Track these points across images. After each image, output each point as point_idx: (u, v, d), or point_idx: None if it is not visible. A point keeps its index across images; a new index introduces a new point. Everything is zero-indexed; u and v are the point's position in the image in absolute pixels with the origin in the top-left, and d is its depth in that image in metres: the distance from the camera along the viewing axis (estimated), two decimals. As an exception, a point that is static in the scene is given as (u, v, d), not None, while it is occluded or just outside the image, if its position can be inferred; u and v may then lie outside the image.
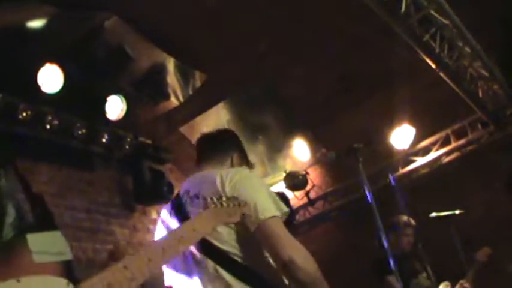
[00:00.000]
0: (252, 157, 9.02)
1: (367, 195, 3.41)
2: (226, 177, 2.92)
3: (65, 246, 1.59)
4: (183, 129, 8.63)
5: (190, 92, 7.80)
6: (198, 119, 8.45)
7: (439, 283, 5.61)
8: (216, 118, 8.75)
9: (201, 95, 7.79)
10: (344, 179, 8.34)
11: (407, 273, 5.29)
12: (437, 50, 6.04)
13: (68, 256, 1.57)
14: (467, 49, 6.29)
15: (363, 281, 5.60)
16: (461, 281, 5.67)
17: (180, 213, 3.08)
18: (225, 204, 2.59)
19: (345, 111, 8.31)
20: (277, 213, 2.80)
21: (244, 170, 3.12)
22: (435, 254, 5.67)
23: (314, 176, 8.79)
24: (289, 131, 8.51)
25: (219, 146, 3.45)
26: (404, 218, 5.69)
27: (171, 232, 2.50)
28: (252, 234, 2.76)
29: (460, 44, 6.22)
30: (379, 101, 8.10)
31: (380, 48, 6.70)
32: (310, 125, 8.26)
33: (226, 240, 2.83)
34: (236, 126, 8.67)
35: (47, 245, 1.51)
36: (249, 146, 8.90)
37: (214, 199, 2.56)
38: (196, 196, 2.99)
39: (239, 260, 2.82)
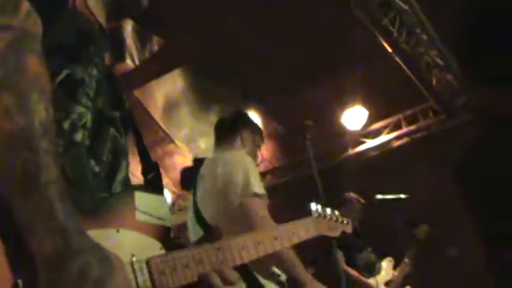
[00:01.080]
0: (203, 126, 9.02)
1: (314, 172, 3.42)
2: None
3: (168, 213, 1.63)
4: (138, 93, 8.55)
5: (147, 56, 7.72)
6: (154, 83, 8.38)
7: (381, 259, 5.71)
8: (172, 85, 8.70)
9: (158, 59, 7.72)
10: (294, 155, 8.39)
11: (353, 248, 5.38)
12: (395, 35, 6.09)
13: (168, 223, 1.61)
14: (425, 36, 6.34)
15: (308, 257, 5.66)
16: (404, 259, 5.76)
17: (194, 190, 3.45)
18: (328, 216, 2.65)
19: (300, 89, 8.32)
20: None
21: (233, 154, 3.37)
22: (378, 234, 5.77)
23: (264, 150, 8.80)
24: (243, 103, 8.49)
25: (228, 128, 3.65)
26: (354, 194, 5.77)
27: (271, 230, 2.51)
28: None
29: (418, 30, 6.27)
30: (334, 81, 8.13)
31: (339, 29, 6.71)
32: (264, 99, 8.25)
33: None
34: (190, 94, 8.64)
35: (151, 207, 1.56)
36: (201, 116, 8.93)
37: (319, 209, 2.59)
38: (201, 176, 3.37)
39: None
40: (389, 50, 6.25)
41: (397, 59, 6.42)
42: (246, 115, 3.86)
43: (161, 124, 9.14)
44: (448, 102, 7.76)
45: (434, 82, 7.28)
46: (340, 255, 5.08)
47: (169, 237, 1.61)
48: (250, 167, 3.24)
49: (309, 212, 2.44)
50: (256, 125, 3.72)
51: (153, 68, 7.94)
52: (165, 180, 9.35)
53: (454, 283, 8.41)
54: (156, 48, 7.63)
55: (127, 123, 1.76)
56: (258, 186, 3.16)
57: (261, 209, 3.12)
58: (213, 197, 3.30)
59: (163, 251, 1.54)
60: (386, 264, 5.66)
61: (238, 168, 3.25)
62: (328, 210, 2.65)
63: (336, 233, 2.71)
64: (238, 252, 1.83)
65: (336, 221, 2.70)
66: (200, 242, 1.77)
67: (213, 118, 8.99)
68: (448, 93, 7.59)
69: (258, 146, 3.64)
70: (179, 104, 8.94)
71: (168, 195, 8.90)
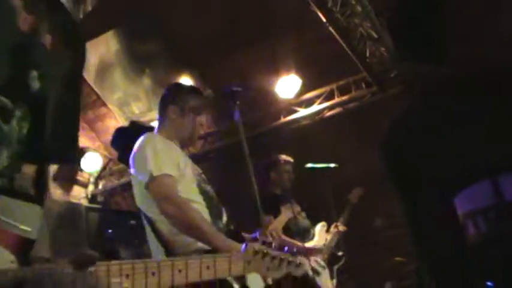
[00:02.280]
0: (136, 90, 8.93)
1: (242, 138, 3.43)
2: None
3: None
4: (69, 54, 8.36)
5: (81, 16, 7.54)
6: (87, 45, 8.19)
7: (314, 224, 5.79)
8: (106, 47, 8.56)
9: (91, 20, 7.54)
10: (225, 121, 8.39)
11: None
12: (329, 4, 6.12)
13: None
14: (359, 8, 6.39)
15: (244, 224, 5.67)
16: (336, 223, 5.86)
17: None
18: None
19: (234, 54, 8.31)
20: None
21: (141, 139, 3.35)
22: (308, 201, 5.85)
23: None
24: (176, 68, 8.42)
25: (160, 106, 3.65)
26: (283, 155, 5.82)
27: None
28: None
29: (353, 2, 6.31)
30: (268, 48, 8.14)
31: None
32: (198, 64, 8.19)
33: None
34: (124, 57, 8.52)
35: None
36: (134, 79, 8.83)
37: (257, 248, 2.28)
38: None
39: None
40: (323, 19, 6.27)
41: (331, 29, 6.45)
42: (175, 88, 3.79)
43: (94, 87, 9.00)
44: (380, 74, 7.87)
45: (367, 54, 7.37)
46: (286, 209, 5.17)
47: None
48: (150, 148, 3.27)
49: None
50: (198, 97, 3.63)
51: (87, 29, 7.76)
52: (97, 144, 9.25)
53: (380, 252, 8.67)
54: (89, 8, 7.46)
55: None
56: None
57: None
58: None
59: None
60: (319, 229, 5.75)
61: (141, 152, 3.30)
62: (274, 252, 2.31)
63: (276, 275, 2.33)
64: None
65: (281, 262, 2.32)
66: None
67: (147, 82, 8.92)
68: (381, 65, 7.70)
69: (195, 112, 3.55)
70: (112, 67, 8.81)
71: (99, 159, 8.80)
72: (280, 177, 5.67)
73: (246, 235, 3.41)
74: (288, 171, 5.72)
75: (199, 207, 3.25)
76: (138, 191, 3.31)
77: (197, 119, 3.54)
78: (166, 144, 3.35)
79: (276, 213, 5.22)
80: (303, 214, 5.75)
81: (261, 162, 5.75)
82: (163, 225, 3.17)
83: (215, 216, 3.30)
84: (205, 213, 3.25)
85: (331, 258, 5.63)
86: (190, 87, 3.77)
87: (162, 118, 3.58)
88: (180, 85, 3.83)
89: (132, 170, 3.33)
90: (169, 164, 3.20)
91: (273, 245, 2.44)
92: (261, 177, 5.65)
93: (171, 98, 3.59)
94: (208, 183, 3.49)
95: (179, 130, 3.51)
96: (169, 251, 3.15)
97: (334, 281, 5.53)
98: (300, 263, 2.45)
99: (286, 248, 2.30)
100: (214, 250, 3.02)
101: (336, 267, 5.63)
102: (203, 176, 3.56)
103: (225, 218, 3.38)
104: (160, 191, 3.14)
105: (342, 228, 5.85)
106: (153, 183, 3.15)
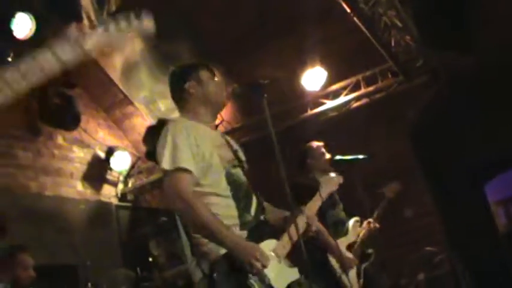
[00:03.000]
0: (162, 88, 8.94)
1: (270, 131, 3.39)
2: None
3: None
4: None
5: (105, 16, 7.59)
6: (112, 45, 8.25)
7: (349, 219, 5.67)
8: (131, 46, 8.59)
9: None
10: (253, 115, 8.39)
11: (326, 201, 5.33)
12: (353, -5, 6.10)
13: None
14: (383, -3, 6.36)
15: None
16: (369, 219, 5.75)
17: None
18: None
19: (260, 49, 8.30)
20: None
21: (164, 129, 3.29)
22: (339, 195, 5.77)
23: (224, 111, 8.78)
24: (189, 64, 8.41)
25: (174, 90, 3.63)
26: (314, 142, 5.72)
27: None
28: None
29: (377, -9, 6.28)
30: (294, 41, 8.12)
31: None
32: (224, 59, 8.19)
33: None
34: (149, 55, 8.55)
35: None
36: (160, 76, 8.84)
37: None
38: None
39: None
40: (348, 10, 6.24)
41: (355, 19, 6.42)
42: (178, 67, 3.72)
43: (120, 86, 9.04)
44: (406, 63, 7.83)
45: (393, 43, 7.33)
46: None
47: None
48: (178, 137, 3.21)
49: None
50: (204, 67, 3.57)
51: (110, 29, 7.80)
52: (125, 143, 9.31)
53: (411, 242, 8.62)
54: (114, 8, 7.50)
55: None
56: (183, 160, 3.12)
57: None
58: None
59: None
60: (352, 224, 5.62)
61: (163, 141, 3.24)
62: None
63: None
64: None
65: None
66: None
67: (172, 79, 8.94)
68: (406, 54, 7.65)
69: (212, 77, 3.54)
70: (138, 65, 8.85)
71: (128, 158, 8.86)
72: (318, 161, 5.54)
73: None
74: (323, 154, 5.61)
75: (225, 201, 3.18)
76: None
77: (216, 81, 3.50)
78: (190, 130, 3.25)
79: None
80: (341, 206, 5.64)
81: (295, 152, 5.68)
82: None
83: (243, 208, 3.24)
84: (231, 207, 3.19)
85: (360, 256, 5.51)
86: (194, 61, 3.70)
87: (181, 100, 3.52)
88: (185, 64, 3.75)
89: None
90: (187, 156, 3.11)
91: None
92: (298, 166, 5.60)
93: (184, 76, 3.53)
94: (240, 165, 3.41)
95: (205, 101, 3.44)
96: (194, 245, 3.13)
97: (361, 280, 5.39)
98: None
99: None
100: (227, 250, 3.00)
101: (364, 265, 5.49)
102: (239, 154, 3.50)
103: (253, 209, 3.30)
104: (171, 187, 3.09)
105: (375, 225, 5.73)
106: (166, 178, 3.12)
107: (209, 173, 3.20)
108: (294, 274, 3.16)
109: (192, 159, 3.13)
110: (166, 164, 3.10)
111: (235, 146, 3.54)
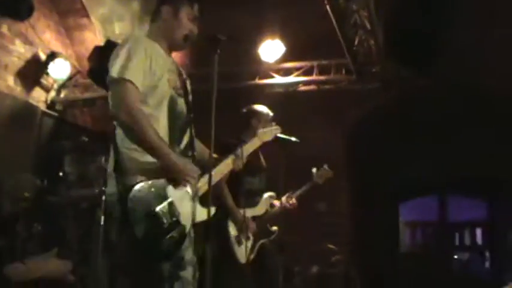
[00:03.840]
0: (123, 10, 8.81)
1: (213, 86, 3.37)
2: None
3: None
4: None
5: None
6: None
7: (266, 191, 5.67)
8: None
9: None
10: (202, 67, 8.34)
11: (250, 168, 5.31)
12: (332, -17, 6.12)
13: None
14: (361, -5, 6.40)
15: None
16: (288, 193, 5.73)
17: None
18: None
19: (228, 6, 8.29)
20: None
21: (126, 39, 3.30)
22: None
23: (174, 55, 8.71)
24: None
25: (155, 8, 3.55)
26: (263, 106, 5.70)
27: None
28: None
29: (357, -12, 6.31)
30: (263, 8, 8.13)
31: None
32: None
33: None
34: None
35: None
36: (124, 0, 8.70)
37: None
38: None
39: None
40: (324, -5, 6.26)
41: (328, 7, 6.44)
42: None
43: (81, -6, 8.84)
44: (363, 65, 7.91)
45: (356, 42, 7.38)
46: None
47: None
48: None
49: None
50: (190, 3, 3.54)
51: None
52: (69, 52, 9.13)
53: (315, 234, 8.82)
54: None
55: None
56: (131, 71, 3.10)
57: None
58: None
59: None
60: (264, 199, 5.64)
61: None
62: None
63: None
64: None
65: None
66: None
67: (136, 6, 8.81)
68: (366, 57, 7.72)
69: (189, 19, 3.49)
70: (105, -19, 8.68)
71: (67, 68, 8.68)
72: (262, 125, 5.52)
73: None
74: (269, 122, 5.57)
75: (161, 127, 3.19)
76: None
77: (189, 25, 3.48)
78: (148, 49, 3.23)
79: None
80: (263, 176, 5.66)
81: (243, 109, 5.67)
82: (119, 135, 3.15)
83: (175, 139, 3.26)
84: (164, 135, 3.19)
85: (262, 231, 5.53)
86: None
87: (154, 19, 3.51)
88: None
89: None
90: (138, 72, 3.11)
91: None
92: (242, 124, 5.58)
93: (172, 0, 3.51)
94: (185, 96, 3.42)
95: (170, 31, 3.43)
96: (119, 161, 3.11)
97: (252, 256, 5.34)
98: None
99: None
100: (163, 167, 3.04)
101: (262, 241, 5.50)
102: (187, 84, 3.52)
103: (184, 143, 3.33)
104: (118, 96, 3.05)
105: (293, 201, 5.74)
106: (113, 86, 3.08)
107: (154, 93, 3.20)
108: (203, 214, 3.18)
109: (141, 75, 3.12)
110: (115, 72, 3.07)
111: (185, 77, 3.54)
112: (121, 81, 3.05)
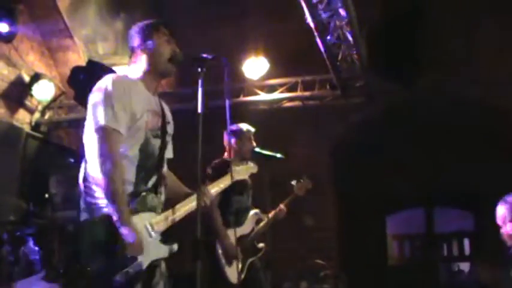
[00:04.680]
0: (107, 31, 8.80)
1: (199, 106, 3.37)
2: None
3: None
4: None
5: None
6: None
7: (252, 209, 5.67)
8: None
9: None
10: (185, 85, 8.35)
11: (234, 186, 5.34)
12: (315, 0, 6.15)
13: None
14: (343, 12, 6.43)
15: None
16: (271, 211, 5.72)
17: None
18: None
19: (212, 22, 8.32)
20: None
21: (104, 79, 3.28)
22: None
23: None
24: (151, 20, 8.35)
25: (129, 45, 3.55)
26: (246, 124, 5.72)
27: None
28: None
29: (339, 4, 6.34)
30: (247, 25, 8.17)
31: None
32: (174, 23, 8.12)
33: None
34: (101, -3, 8.42)
35: None
36: (107, 19, 8.70)
37: None
38: None
39: None
40: (307, 13, 6.29)
41: (311, 23, 6.47)
42: (146, 23, 3.58)
43: (64, 15, 8.84)
44: (347, 80, 7.95)
45: (339, 57, 7.43)
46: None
47: None
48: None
49: None
50: (159, 29, 3.50)
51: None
52: (53, 73, 9.12)
53: (303, 250, 8.81)
54: None
55: None
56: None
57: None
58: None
59: None
60: (251, 216, 5.65)
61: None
62: None
63: None
64: None
65: None
66: None
67: (119, 26, 8.80)
68: (349, 72, 7.77)
69: (165, 41, 3.46)
70: (88, 2, 8.68)
71: (52, 89, 8.66)
72: (243, 145, 5.55)
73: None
74: (250, 140, 5.62)
75: (130, 167, 3.19)
76: (86, 131, 3.23)
77: (168, 47, 3.45)
78: (128, 88, 3.24)
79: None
80: (250, 194, 5.68)
81: (227, 128, 5.69)
82: (92, 171, 3.14)
83: (143, 178, 3.24)
84: (132, 174, 3.19)
85: (250, 249, 5.53)
86: (151, 21, 3.64)
87: (130, 57, 3.50)
88: (141, 23, 3.68)
89: (88, 105, 3.25)
90: (122, 117, 3.13)
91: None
92: (225, 142, 5.59)
93: (137, 36, 3.49)
94: (163, 137, 3.39)
95: (152, 64, 3.42)
96: (87, 194, 3.16)
97: (243, 274, 5.34)
98: None
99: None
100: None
101: (250, 260, 5.50)
102: (167, 127, 3.49)
103: (152, 183, 3.30)
104: (105, 145, 3.07)
105: (283, 210, 5.74)
106: (100, 132, 3.08)
107: (130, 134, 3.19)
108: (162, 251, 3.17)
109: (126, 122, 3.15)
110: (102, 119, 3.08)
111: (169, 119, 3.53)
112: (110, 130, 3.08)
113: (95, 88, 3.25)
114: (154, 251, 3.12)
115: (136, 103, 3.24)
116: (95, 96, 3.19)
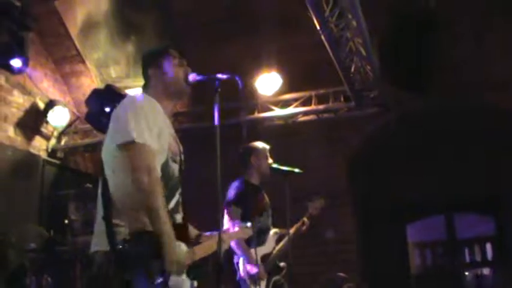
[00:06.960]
0: (118, 54, 8.85)
1: (215, 123, 3.36)
2: None
3: None
4: (58, 3, 8.30)
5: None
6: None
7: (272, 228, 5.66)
8: (95, 3, 8.49)
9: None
10: (199, 104, 8.36)
11: (256, 206, 5.35)
12: (326, 13, 6.13)
13: None
14: (354, 23, 6.41)
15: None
16: (289, 233, 5.69)
17: None
18: None
19: (224, 40, 8.32)
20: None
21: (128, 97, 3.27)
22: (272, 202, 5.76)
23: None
24: (163, 42, 8.37)
25: (143, 68, 3.52)
26: (261, 142, 5.72)
27: None
28: None
29: (350, 16, 6.33)
30: (257, 42, 8.17)
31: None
32: (187, 42, 8.13)
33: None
34: (112, 19, 8.45)
35: None
36: (119, 43, 8.74)
37: None
38: None
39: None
40: (318, 26, 6.27)
41: (322, 37, 6.46)
42: (156, 49, 3.60)
43: (76, 41, 8.90)
44: (360, 91, 7.93)
45: (352, 69, 7.41)
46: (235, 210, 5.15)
47: None
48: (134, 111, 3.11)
49: None
50: (169, 53, 3.47)
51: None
52: (67, 99, 9.17)
53: (324, 263, 8.75)
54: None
55: None
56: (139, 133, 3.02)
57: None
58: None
59: None
60: (271, 236, 5.61)
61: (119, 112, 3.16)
62: None
63: None
64: None
65: None
66: None
67: (130, 49, 8.84)
68: (363, 83, 7.74)
69: (177, 65, 3.43)
70: (98, 26, 8.73)
71: (66, 115, 8.72)
72: (260, 162, 5.55)
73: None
74: (267, 157, 5.61)
75: None
76: (107, 148, 3.16)
77: (181, 70, 3.42)
78: (151, 107, 3.19)
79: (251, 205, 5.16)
80: (269, 213, 5.64)
81: (242, 147, 5.69)
82: (118, 192, 3.07)
83: (166, 197, 3.11)
84: None
85: (271, 269, 5.49)
86: (161, 46, 3.63)
87: (145, 84, 3.47)
88: (152, 49, 3.67)
89: (110, 125, 3.16)
90: (151, 135, 3.05)
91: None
92: (240, 163, 5.60)
93: (148, 62, 3.47)
94: (177, 160, 3.33)
95: (167, 87, 3.39)
96: (109, 217, 3.02)
97: None
98: None
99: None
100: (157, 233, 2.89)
101: (274, 278, 5.47)
102: (181, 154, 3.44)
103: (172, 205, 3.22)
104: (141, 159, 2.96)
105: (289, 241, 5.71)
106: (132, 147, 2.98)
107: (156, 156, 3.12)
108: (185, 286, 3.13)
109: (155, 138, 3.08)
110: (135, 133, 2.97)
111: (180, 145, 3.51)
112: (141, 145, 2.98)
113: (122, 103, 3.20)
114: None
115: (162, 123, 3.20)
116: (123, 111, 3.12)
